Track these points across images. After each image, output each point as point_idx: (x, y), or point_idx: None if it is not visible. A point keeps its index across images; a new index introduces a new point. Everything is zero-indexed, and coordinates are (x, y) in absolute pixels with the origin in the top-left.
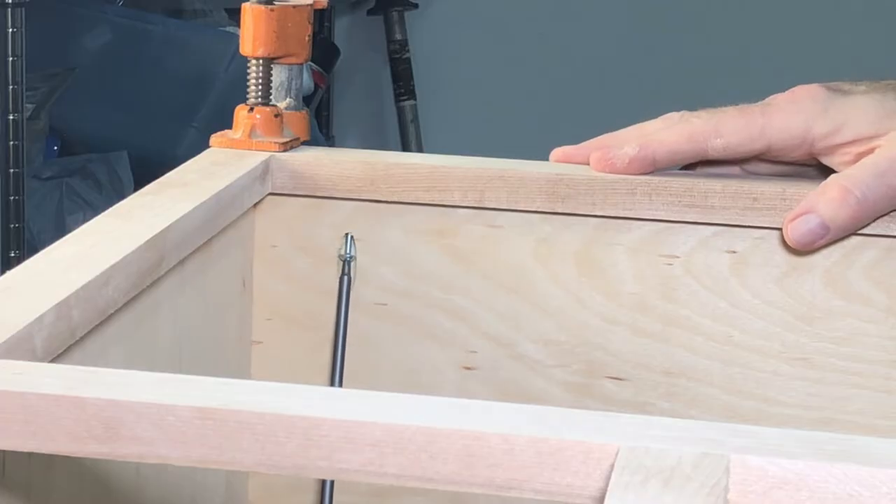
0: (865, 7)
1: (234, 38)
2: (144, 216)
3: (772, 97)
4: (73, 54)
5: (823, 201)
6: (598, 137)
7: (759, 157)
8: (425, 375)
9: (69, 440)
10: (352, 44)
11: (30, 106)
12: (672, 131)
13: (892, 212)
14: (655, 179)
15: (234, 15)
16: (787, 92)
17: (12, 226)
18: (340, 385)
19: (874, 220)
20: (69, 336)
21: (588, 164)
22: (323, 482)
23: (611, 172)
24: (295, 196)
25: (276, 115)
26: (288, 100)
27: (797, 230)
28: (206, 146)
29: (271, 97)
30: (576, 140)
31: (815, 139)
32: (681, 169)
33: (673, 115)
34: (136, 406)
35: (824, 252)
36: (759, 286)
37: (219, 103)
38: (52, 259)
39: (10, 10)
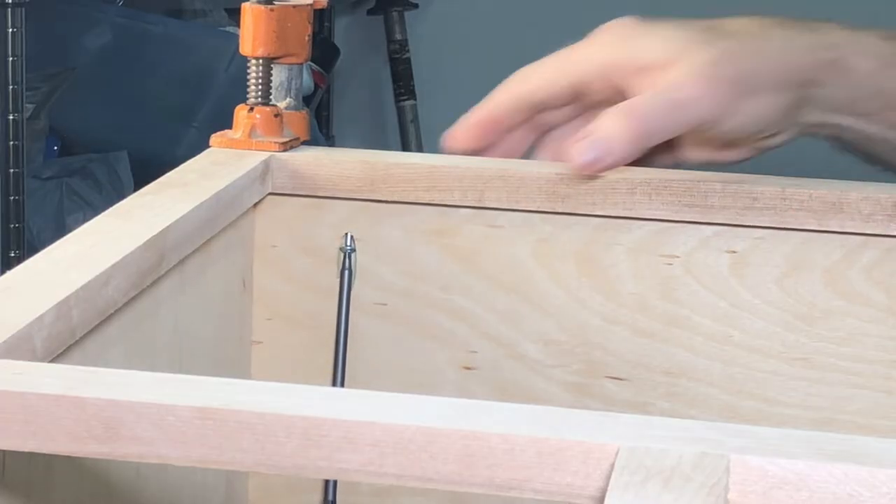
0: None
1: (234, 38)
2: (144, 216)
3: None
4: (73, 54)
5: (604, 125)
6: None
7: (589, 107)
8: (425, 375)
9: (69, 440)
10: (352, 44)
11: (30, 106)
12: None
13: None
14: (655, 179)
15: (234, 15)
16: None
17: (12, 226)
18: (343, 378)
19: (659, 144)
20: (69, 336)
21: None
22: (327, 482)
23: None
24: (295, 196)
25: (276, 115)
26: (288, 100)
27: (579, 150)
28: (206, 146)
29: (271, 97)
30: None
31: (615, 68)
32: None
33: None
34: (136, 406)
35: (824, 252)
36: (759, 286)
37: (219, 103)
38: (52, 259)
39: (10, 10)
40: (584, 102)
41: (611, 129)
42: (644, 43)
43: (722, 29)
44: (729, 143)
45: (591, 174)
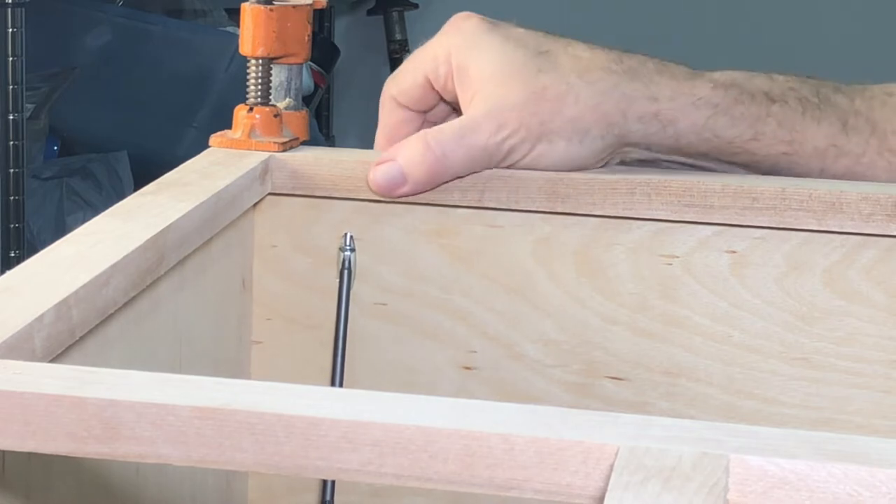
0: (864, 5)
1: (234, 38)
2: (144, 216)
3: None
4: (73, 54)
5: (406, 152)
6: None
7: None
8: (425, 375)
9: (69, 440)
10: (352, 44)
11: (30, 106)
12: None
13: (484, 170)
14: (655, 179)
15: (234, 15)
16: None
17: (12, 226)
18: (342, 378)
19: (461, 178)
20: (69, 336)
21: None
22: (324, 482)
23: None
24: (294, 196)
25: (275, 115)
26: (287, 100)
27: (378, 172)
28: (206, 146)
29: (271, 97)
30: None
31: (452, 68)
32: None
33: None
34: (136, 406)
35: (824, 252)
36: (759, 286)
37: (219, 103)
38: (52, 259)
39: (10, 10)
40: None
41: (409, 159)
42: (479, 56)
43: (553, 59)
44: None
45: (387, 197)
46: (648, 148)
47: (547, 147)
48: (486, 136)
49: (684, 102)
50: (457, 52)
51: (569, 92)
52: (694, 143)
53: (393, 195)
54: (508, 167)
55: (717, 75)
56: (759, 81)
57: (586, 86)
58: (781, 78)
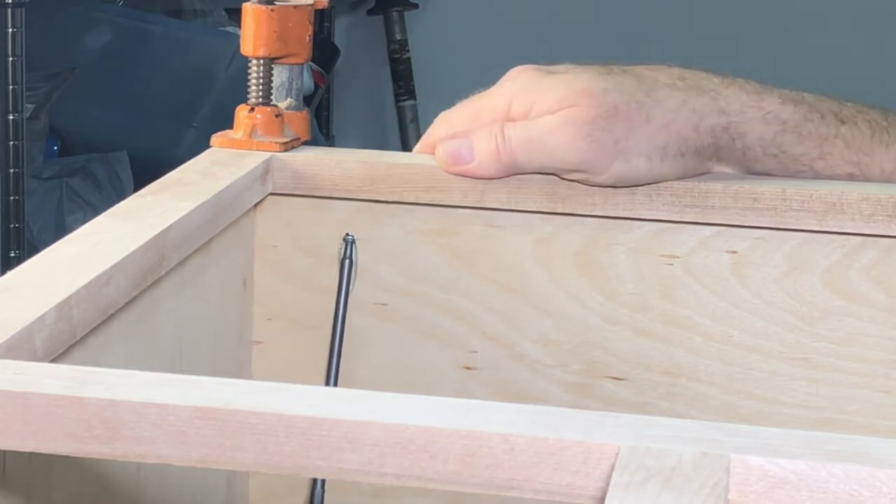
0: (862, 6)
1: (234, 38)
2: (145, 216)
3: None
4: (73, 54)
5: (479, 134)
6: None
7: None
8: (425, 375)
9: (69, 440)
10: (352, 44)
11: (30, 106)
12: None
13: (550, 174)
14: None
15: (234, 15)
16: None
17: (12, 226)
18: (336, 377)
19: (525, 174)
20: (70, 336)
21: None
22: (314, 482)
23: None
24: (295, 196)
25: (276, 115)
26: (289, 100)
27: (447, 145)
28: (206, 146)
29: (272, 97)
30: None
31: (516, 118)
32: None
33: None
34: (136, 406)
35: (824, 252)
36: (759, 286)
37: (219, 103)
38: (53, 259)
39: (10, 10)
40: None
41: (482, 147)
42: (543, 94)
43: (618, 80)
44: None
45: (448, 171)
46: (721, 161)
47: (625, 165)
48: (558, 142)
49: (753, 116)
50: (518, 100)
51: (639, 110)
52: (760, 159)
53: (453, 170)
54: (582, 180)
55: (786, 92)
56: (828, 102)
57: (655, 104)
58: (850, 102)
